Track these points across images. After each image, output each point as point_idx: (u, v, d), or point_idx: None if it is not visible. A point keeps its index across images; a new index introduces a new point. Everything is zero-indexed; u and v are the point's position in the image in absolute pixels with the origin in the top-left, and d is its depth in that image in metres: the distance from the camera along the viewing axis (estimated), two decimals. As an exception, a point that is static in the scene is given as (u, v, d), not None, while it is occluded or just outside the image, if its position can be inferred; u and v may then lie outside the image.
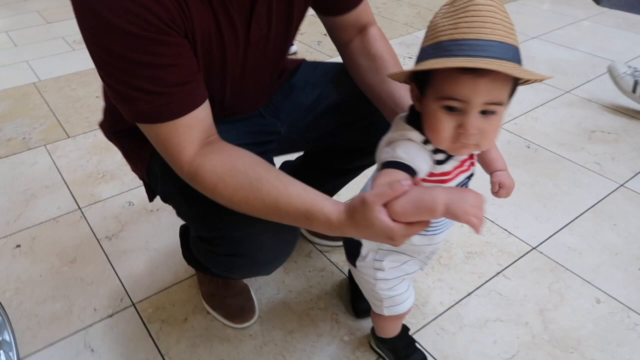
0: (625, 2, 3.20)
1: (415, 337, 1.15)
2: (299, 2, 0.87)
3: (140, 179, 1.08)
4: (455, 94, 0.65)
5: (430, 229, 0.82)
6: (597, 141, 1.86)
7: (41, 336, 1.19)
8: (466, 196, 0.65)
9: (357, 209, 0.69)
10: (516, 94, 0.69)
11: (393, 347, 1.09)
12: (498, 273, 1.33)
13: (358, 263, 0.92)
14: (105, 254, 1.42)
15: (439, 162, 0.73)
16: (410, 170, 0.70)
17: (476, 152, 0.81)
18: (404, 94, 0.89)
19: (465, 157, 0.76)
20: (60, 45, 2.85)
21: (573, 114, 2.04)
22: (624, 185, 1.64)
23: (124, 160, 1.13)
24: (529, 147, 1.84)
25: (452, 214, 0.63)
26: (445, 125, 0.67)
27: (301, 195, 0.74)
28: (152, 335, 1.19)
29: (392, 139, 0.74)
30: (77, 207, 1.59)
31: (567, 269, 1.34)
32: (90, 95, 2.28)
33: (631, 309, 1.23)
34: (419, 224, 0.68)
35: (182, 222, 1.19)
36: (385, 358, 1.11)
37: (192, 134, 0.75)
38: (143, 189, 1.27)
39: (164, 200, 1.03)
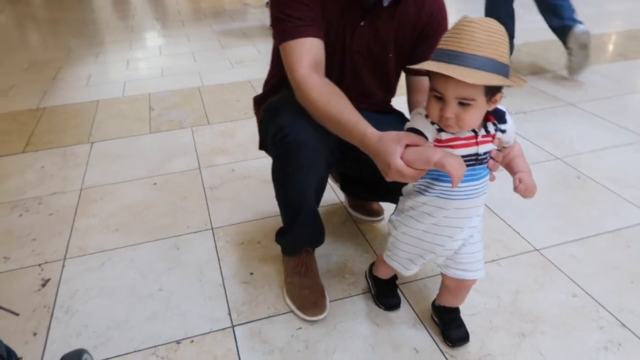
0: None
1: (401, 286, 1.45)
2: (390, 43, 1.26)
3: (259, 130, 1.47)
4: (436, 88, 0.92)
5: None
6: (655, 182, 1.92)
7: (152, 234, 1.75)
8: (454, 157, 0.91)
9: (388, 138, 0.97)
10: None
11: (378, 284, 1.40)
12: (493, 260, 1.55)
13: (392, 216, 1.19)
14: (206, 197, 1.97)
15: (439, 130, 0.97)
16: (422, 134, 0.97)
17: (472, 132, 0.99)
18: None
19: (470, 133, 0.98)
20: (225, 64, 3.68)
21: (643, 157, 2.10)
22: (661, 220, 1.70)
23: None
24: (579, 178, 1.97)
25: (440, 165, 0.89)
26: (433, 107, 0.94)
27: (360, 116, 1.06)
28: (217, 247, 1.67)
29: (412, 115, 1.04)
30: (197, 167, 2.20)
31: (559, 269, 1.50)
32: (232, 99, 2.97)
33: (603, 307, 1.36)
34: (413, 171, 0.93)
35: (268, 185, 1.66)
36: (371, 290, 1.43)
37: (306, 54, 1.13)
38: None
39: (263, 140, 1.43)
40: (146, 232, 1.78)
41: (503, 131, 1.02)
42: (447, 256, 1.15)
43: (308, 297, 1.39)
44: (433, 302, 1.34)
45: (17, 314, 0.93)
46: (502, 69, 0.89)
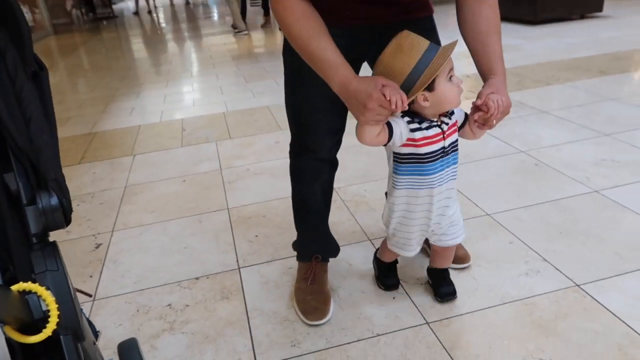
0: None
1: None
2: None
3: None
4: (447, 67, 1.10)
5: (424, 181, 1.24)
6: (602, 166, 2.24)
7: (180, 213, 2.19)
8: (395, 90, 1.03)
9: (366, 78, 1.07)
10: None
11: (380, 267, 1.58)
12: (450, 222, 1.90)
13: (384, 213, 1.37)
14: (224, 188, 2.41)
15: (412, 130, 1.16)
16: (390, 127, 1.14)
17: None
18: (489, 52, 1.20)
19: (438, 130, 1.18)
20: (247, 94, 4.21)
21: (599, 149, 2.42)
22: (599, 192, 2.02)
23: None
24: (536, 165, 2.32)
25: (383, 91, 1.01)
26: (456, 87, 1.13)
27: (341, 57, 1.08)
28: (231, 220, 2.10)
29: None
30: (219, 168, 2.65)
31: (503, 226, 1.85)
32: (252, 120, 3.45)
33: (531, 249, 1.69)
34: (387, 103, 1.01)
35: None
36: (374, 271, 1.63)
37: None
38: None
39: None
40: (176, 212, 2.22)
41: (452, 113, 1.23)
42: (441, 231, 1.37)
43: (310, 303, 1.49)
44: (427, 267, 1.56)
45: (90, 295, 1.18)
46: None
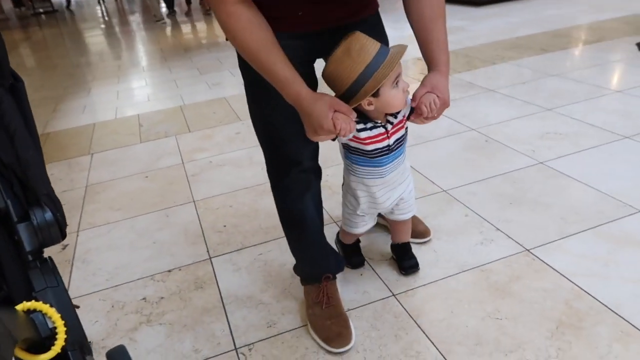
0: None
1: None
2: None
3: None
4: (394, 75, 1.10)
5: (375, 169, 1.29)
6: (546, 139, 2.40)
7: (147, 209, 2.20)
8: (345, 120, 1.06)
9: (323, 102, 1.04)
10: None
11: (345, 248, 1.66)
12: (410, 200, 2.01)
13: (347, 172, 1.37)
14: (188, 181, 2.43)
15: (358, 130, 1.19)
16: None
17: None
18: (432, 33, 1.17)
19: (382, 130, 1.20)
20: (203, 86, 4.19)
21: (543, 124, 2.59)
22: (544, 163, 2.18)
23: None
24: (486, 141, 2.46)
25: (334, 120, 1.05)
26: (401, 93, 1.14)
27: (292, 70, 1.04)
28: (198, 213, 2.13)
29: None
30: (181, 162, 2.66)
31: (458, 201, 1.96)
32: (210, 112, 3.45)
33: (485, 220, 1.82)
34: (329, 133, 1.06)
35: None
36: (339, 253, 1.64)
37: None
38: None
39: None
40: (142, 208, 2.23)
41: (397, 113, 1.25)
42: (391, 208, 1.44)
43: (331, 328, 1.38)
44: (391, 244, 1.66)
45: (77, 307, 1.15)
46: None
